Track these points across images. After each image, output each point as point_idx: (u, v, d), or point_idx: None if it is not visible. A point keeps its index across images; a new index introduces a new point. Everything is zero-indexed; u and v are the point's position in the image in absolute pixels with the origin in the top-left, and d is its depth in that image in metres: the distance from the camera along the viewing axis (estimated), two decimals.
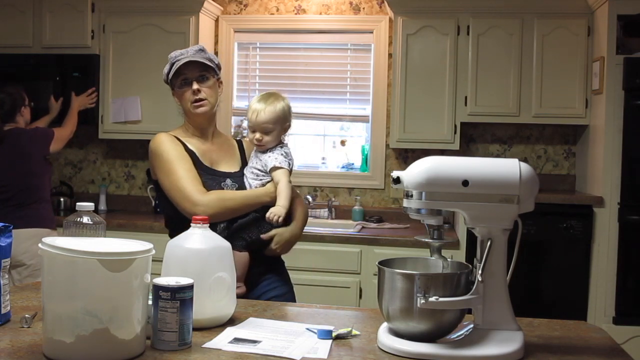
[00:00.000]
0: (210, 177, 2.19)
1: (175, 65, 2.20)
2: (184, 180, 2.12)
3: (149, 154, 2.24)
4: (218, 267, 1.66)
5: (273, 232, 2.20)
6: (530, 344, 1.56)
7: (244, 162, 2.34)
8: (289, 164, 2.24)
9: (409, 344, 1.47)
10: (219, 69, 2.31)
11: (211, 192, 2.14)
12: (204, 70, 2.23)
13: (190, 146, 2.23)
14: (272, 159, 2.22)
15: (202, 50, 2.27)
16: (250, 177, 2.26)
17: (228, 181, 2.23)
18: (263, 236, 2.18)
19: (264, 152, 2.25)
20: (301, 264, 3.63)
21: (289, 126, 2.29)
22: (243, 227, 2.18)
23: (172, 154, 2.17)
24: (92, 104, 4.30)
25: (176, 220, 2.13)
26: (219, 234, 2.12)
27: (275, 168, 2.21)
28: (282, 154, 2.24)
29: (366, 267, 3.80)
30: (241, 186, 2.24)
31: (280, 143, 2.28)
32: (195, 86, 2.21)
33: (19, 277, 3.48)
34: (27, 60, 4.34)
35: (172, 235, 2.05)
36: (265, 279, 2.25)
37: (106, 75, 4.36)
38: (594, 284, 3.71)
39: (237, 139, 2.46)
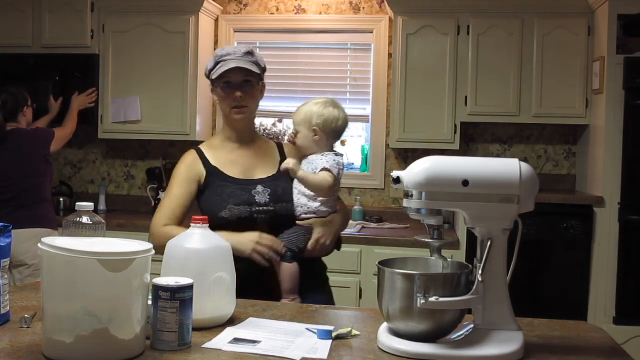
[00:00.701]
0: (239, 187, 2.16)
1: (220, 66, 2.13)
2: (160, 208, 2.17)
3: None
4: (218, 267, 1.66)
5: (311, 221, 2.16)
6: (531, 344, 1.55)
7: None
8: (338, 173, 2.19)
9: (409, 344, 1.47)
10: (264, 72, 2.23)
11: (170, 227, 2.10)
12: (249, 76, 2.15)
13: (215, 161, 2.20)
14: (324, 161, 2.18)
15: (250, 53, 2.17)
16: (299, 202, 2.19)
17: (259, 187, 2.17)
18: (300, 223, 2.13)
19: (317, 156, 2.21)
20: None
21: (318, 131, 2.21)
22: (289, 237, 2.13)
23: (176, 177, 2.19)
24: (91, 104, 4.30)
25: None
26: None
27: (324, 169, 2.17)
28: (334, 160, 2.19)
29: (366, 267, 3.79)
30: (274, 191, 2.18)
31: (335, 152, 2.25)
32: (238, 93, 2.14)
33: (20, 277, 3.49)
34: (26, 60, 4.34)
35: None
36: (309, 297, 2.12)
37: (106, 75, 4.35)
38: (594, 284, 3.71)
39: (277, 141, 2.40)
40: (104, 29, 4.34)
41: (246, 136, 2.26)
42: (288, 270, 2.10)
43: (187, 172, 2.20)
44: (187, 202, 2.17)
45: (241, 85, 2.15)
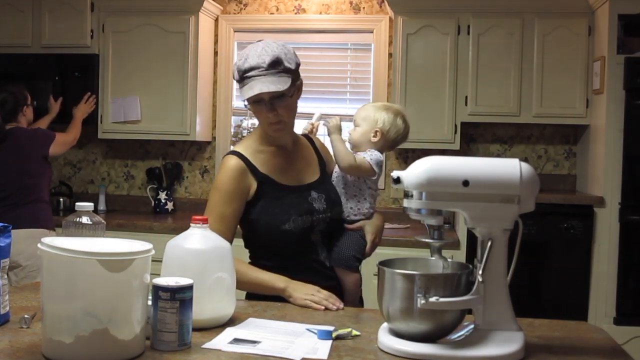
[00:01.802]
0: (296, 196, 2.03)
1: (244, 84, 1.92)
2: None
3: None
4: (218, 267, 1.65)
5: (360, 223, 2.11)
6: (531, 344, 1.55)
7: (321, 162, 2.18)
8: (377, 168, 2.10)
9: (409, 344, 1.47)
10: (299, 67, 2.05)
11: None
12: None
13: (263, 167, 2.02)
14: (368, 155, 2.11)
15: (276, 62, 1.93)
16: (348, 204, 2.13)
17: (313, 193, 2.06)
18: (349, 226, 2.09)
19: (364, 152, 2.14)
20: None
21: (379, 134, 2.14)
22: (352, 246, 2.09)
23: (222, 194, 1.98)
24: (92, 107, 4.30)
25: (252, 244, 2.10)
26: (319, 250, 2.07)
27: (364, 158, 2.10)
28: (379, 158, 2.12)
29: (366, 267, 3.78)
30: (328, 195, 2.08)
31: (379, 151, 2.16)
32: (270, 115, 1.95)
33: (16, 279, 3.47)
34: (26, 60, 4.34)
35: (252, 256, 2.10)
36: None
37: (105, 75, 4.35)
38: (594, 284, 3.71)
39: (306, 135, 2.25)
40: (103, 29, 4.34)
41: (286, 143, 2.11)
42: (356, 281, 2.11)
43: (234, 186, 1.99)
44: (236, 222, 2.02)
45: (272, 103, 1.95)
